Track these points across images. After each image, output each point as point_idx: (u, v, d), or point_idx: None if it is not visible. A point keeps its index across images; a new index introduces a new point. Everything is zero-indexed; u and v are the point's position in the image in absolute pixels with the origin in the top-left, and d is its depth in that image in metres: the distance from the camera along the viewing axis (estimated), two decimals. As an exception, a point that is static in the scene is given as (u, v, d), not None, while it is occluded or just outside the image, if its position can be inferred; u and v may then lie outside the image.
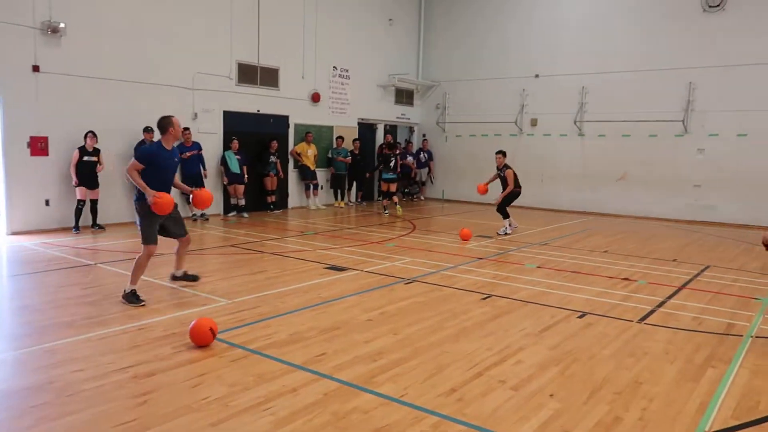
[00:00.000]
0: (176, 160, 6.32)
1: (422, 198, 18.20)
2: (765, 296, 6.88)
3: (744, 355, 4.83)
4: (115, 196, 11.27)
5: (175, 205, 6.22)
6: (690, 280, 7.64)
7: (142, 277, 6.16)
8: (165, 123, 6.09)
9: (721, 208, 13.82)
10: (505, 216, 11.47)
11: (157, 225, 6.10)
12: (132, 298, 5.85)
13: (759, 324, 5.73)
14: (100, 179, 10.67)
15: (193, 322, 4.78)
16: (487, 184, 11.67)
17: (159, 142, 6.17)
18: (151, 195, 5.81)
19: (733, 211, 13.66)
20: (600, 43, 15.19)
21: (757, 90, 13.16)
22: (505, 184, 11.35)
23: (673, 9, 14.13)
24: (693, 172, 14.13)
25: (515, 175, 11.38)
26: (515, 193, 11.44)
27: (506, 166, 11.37)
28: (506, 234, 11.32)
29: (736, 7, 13.36)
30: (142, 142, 11.36)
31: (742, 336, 5.34)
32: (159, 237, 6.15)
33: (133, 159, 6.02)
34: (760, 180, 13.25)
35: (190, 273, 6.72)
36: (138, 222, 6.13)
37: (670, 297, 6.73)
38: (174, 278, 6.65)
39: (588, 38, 15.39)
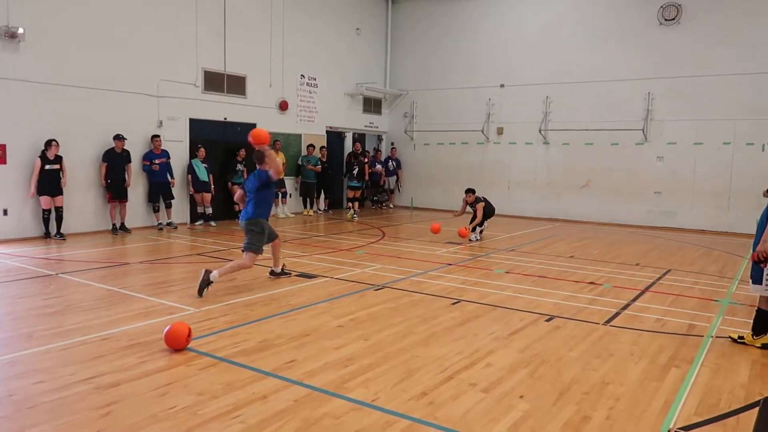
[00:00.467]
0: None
1: (391, 206, 18.26)
2: (724, 298, 7.10)
3: (705, 354, 4.97)
4: (77, 205, 10.99)
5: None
6: (652, 284, 7.83)
7: (108, 286, 6.00)
8: (261, 156, 7.07)
9: (681, 214, 14.23)
10: (474, 230, 11.55)
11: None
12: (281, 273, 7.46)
13: (719, 324, 5.90)
14: (62, 187, 10.45)
15: (169, 326, 4.75)
16: (463, 221, 11.94)
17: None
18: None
19: (691, 216, 14.09)
20: (562, 54, 15.54)
21: (711, 100, 13.64)
22: (475, 216, 11.59)
23: (632, 23, 14.57)
24: (653, 179, 14.53)
25: (486, 204, 11.65)
26: (489, 214, 11.75)
27: (477, 200, 11.65)
28: (477, 240, 11.44)
29: (690, 22, 13.85)
30: (110, 151, 11.15)
31: (702, 336, 5.49)
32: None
33: (258, 183, 6.93)
34: (716, 186, 13.72)
35: (285, 270, 7.74)
36: (252, 235, 6.89)
37: (634, 300, 6.88)
38: (273, 274, 7.59)
39: (551, 49, 15.73)
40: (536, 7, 16.02)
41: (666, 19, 14.12)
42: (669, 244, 11.83)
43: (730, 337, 5.36)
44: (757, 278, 5.05)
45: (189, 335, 4.76)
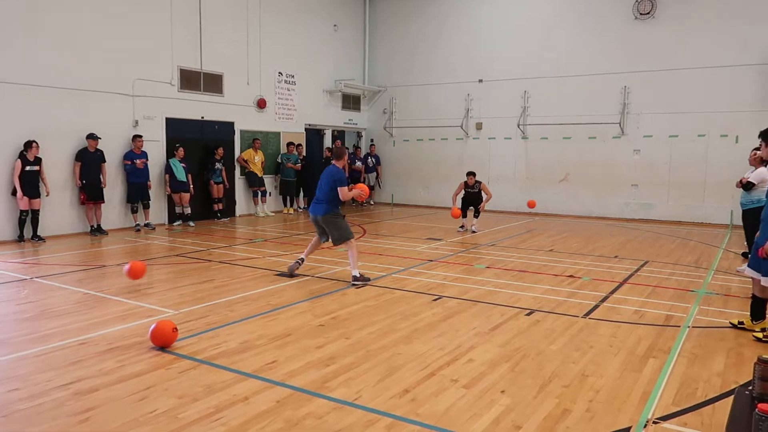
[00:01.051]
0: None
1: (372, 202, 18.24)
2: (699, 288, 7.22)
3: (682, 344, 5.05)
4: (53, 207, 10.80)
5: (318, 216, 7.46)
6: (630, 276, 7.94)
7: (85, 290, 5.90)
8: (342, 152, 7.76)
9: (657, 206, 14.45)
10: (477, 215, 12.46)
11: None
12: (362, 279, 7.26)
13: (695, 315, 6.01)
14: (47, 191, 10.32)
15: (154, 325, 4.81)
16: (458, 206, 12.51)
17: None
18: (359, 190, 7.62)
19: (667, 208, 14.31)
20: (539, 50, 15.64)
21: (685, 93, 13.85)
22: (479, 197, 12.33)
23: (607, 17, 14.72)
24: (630, 172, 14.72)
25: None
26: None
27: (478, 182, 12.43)
28: (475, 231, 12.18)
29: (665, 16, 14.03)
30: (84, 150, 10.98)
31: (679, 326, 5.58)
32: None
33: (338, 185, 7.27)
34: (691, 178, 13.94)
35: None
36: (336, 228, 7.36)
37: (612, 292, 6.97)
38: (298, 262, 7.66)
39: (528, 44, 15.83)
40: (513, 3, 16.10)
41: (641, 14, 14.29)
42: (646, 235, 12.00)
43: (730, 322, 5.48)
44: (758, 266, 5.13)
45: (174, 330, 4.85)
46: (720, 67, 13.40)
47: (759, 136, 5.64)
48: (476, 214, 12.40)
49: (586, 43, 15.04)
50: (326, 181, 7.34)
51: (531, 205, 12.83)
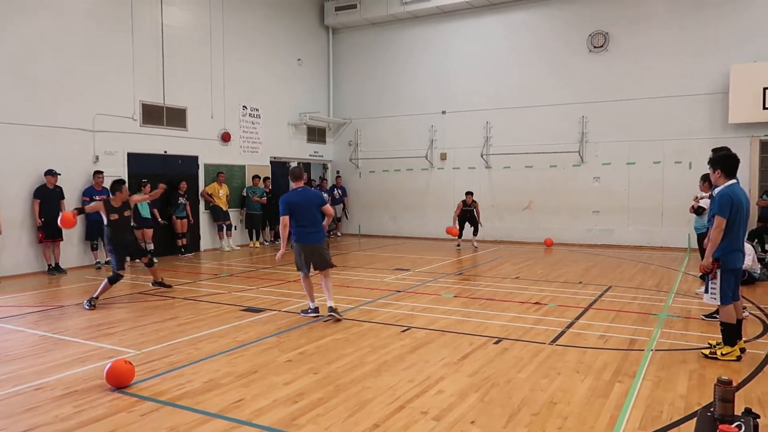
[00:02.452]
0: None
1: (339, 234, 18.20)
2: (661, 311, 7.38)
3: (646, 368, 5.14)
4: (8, 246, 10.45)
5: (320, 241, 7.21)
6: (595, 301, 8.08)
7: (42, 332, 5.69)
8: (301, 172, 7.26)
9: (618, 232, 14.80)
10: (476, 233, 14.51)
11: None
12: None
13: (657, 338, 6.13)
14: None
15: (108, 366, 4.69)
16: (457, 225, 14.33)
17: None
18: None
19: (628, 233, 14.68)
20: (500, 82, 16.06)
21: (640, 122, 14.37)
22: (474, 217, 14.39)
23: (563, 51, 15.26)
24: (591, 199, 15.09)
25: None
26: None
27: (474, 202, 14.32)
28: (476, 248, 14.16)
29: (617, 49, 14.62)
30: (42, 187, 10.72)
31: (643, 350, 5.68)
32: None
33: (325, 203, 7.21)
34: (649, 204, 14.36)
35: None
36: (326, 253, 7.30)
37: (577, 318, 7.07)
38: (330, 310, 7.04)
39: (489, 77, 16.24)
40: (473, 37, 16.55)
41: (595, 47, 14.86)
42: (608, 261, 12.25)
43: (702, 353, 5.45)
44: (706, 288, 5.48)
45: (127, 362, 4.81)
46: (671, 97, 13.97)
47: (708, 163, 5.86)
48: (475, 232, 14.33)
49: (544, 75, 15.52)
50: (315, 206, 7.07)
51: (549, 242, 14.43)
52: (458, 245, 14.51)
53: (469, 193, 14.38)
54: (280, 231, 7.10)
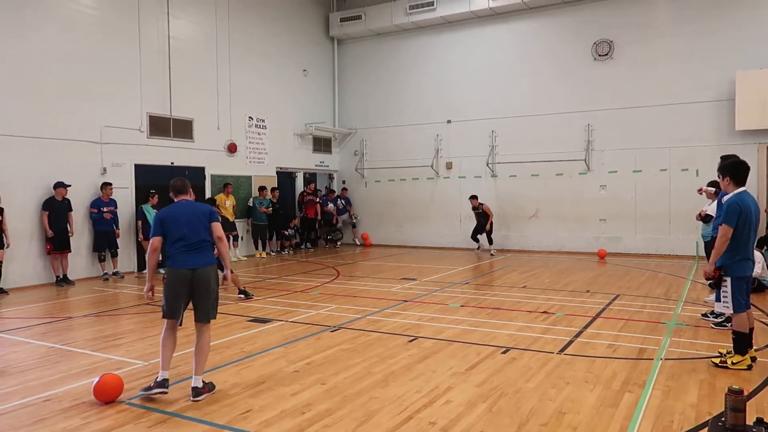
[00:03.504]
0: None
1: (357, 242, 18.17)
2: (670, 320, 7.33)
3: (656, 377, 5.09)
4: (17, 258, 10.51)
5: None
6: (603, 310, 8.03)
7: (50, 343, 5.72)
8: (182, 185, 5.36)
9: (626, 240, 14.73)
10: (491, 242, 15.08)
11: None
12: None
13: (667, 347, 6.08)
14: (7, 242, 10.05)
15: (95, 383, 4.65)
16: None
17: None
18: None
19: (636, 241, 14.60)
20: (505, 90, 16.09)
21: (646, 129, 14.34)
22: (484, 218, 14.94)
23: (568, 59, 15.28)
24: (598, 207, 15.04)
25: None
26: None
27: (481, 204, 14.93)
28: (494, 254, 14.83)
29: (622, 57, 14.63)
30: (50, 199, 10.80)
31: (653, 359, 5.63)
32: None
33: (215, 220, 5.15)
34: (656, 212, 14.30)
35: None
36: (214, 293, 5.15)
37: (586, 327, 7.02)
38: (194, 392, 4.78)
39: (494, 85, 16.27)
40: (478, 46, 16.60)
41: (600, 55, 14.87)
42: (616, 269, 12.18)
43: (712, 361, 5.40)
44: (717, 296, 5.45)
45: (109, 374, 4.78)
46: (677, 104, 13.94)
47: (717, 170, 5.84)
48: (489, 241, 14.89)
49: (549, 83, 15.54)
50: (199, 221, 5.06)
51: (602, 254, 13.96)
52: (477, 248, 15.35)
53: (472, 197, 15.00)
54: (146, 258, 5.15)
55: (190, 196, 5.30)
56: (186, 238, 4.95)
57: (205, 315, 4.99)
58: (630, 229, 14.69)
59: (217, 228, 5.07)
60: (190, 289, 4.96)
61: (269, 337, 6.75)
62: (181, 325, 5.02)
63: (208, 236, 5.04)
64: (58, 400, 4.73)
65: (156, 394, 4.68)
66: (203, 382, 4.81)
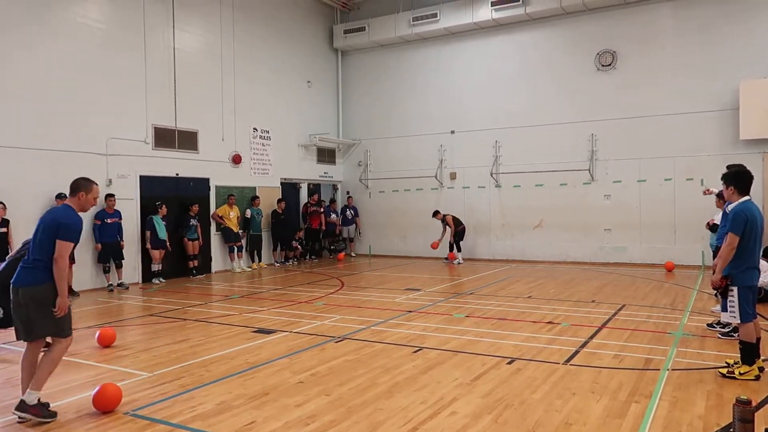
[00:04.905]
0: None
1: (353, 255, 18.19)
2: (677, 330, 7.28)
3: (663, 388, 5.05)
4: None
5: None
6: (608, 320, 7.98)
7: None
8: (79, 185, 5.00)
9: (631, 250, 14.68)
10: (459, 250, 15.56)
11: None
12: (42, 409, 4.54)
13: (674, 357, 6.03)
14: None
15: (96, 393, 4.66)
16: (439, 240, 15.77)
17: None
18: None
19: (641, 251, 14.55)
20: (509, 100, 16.12)
21: (650, 139, 14.33)
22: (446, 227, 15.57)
23: (571, 69, 15.32)
24: (602, 216, 15.00)
25: (453, 218, 15.53)
26: (460, 231, 15.59)
27: (445, 216, 15.54)
28: (459, 263, 15.24)
29: (625, 67, 14.66)
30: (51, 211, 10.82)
31: (659, 370, 5.59)
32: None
33: (63, 242, 4.63)
34: (661, 221, 14.25)
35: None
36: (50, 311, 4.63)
37: (591, 337, 6.98)
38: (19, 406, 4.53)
39: (498, 96, 16.30)
40: (481, 57, 16.66)
41: (603, 65, 14.90)
42: (622, 279, 12.13)
43: (719, 372, 5.37)
44: (724, 306, 5.41)
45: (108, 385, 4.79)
46: (681, 114, 13.94)
47: (721, 179, 5.83)
48: (455, 248, 15.48)
49: (552, 93, 15.57)
50: (41, 229, 4.70)
51: (669, 266, 13.27)
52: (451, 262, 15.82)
53: (435, 213, 15.82)
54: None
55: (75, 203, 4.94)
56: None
57: (25, 335, 4.73)
58: (635, 239, 14.64)
59: (59, 246, 4.58)
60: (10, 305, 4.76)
61: (274, 348, 6.74)
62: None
63: (36, 249, 4.65)
64: (62, 412, 4.72)
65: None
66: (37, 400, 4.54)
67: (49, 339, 4.81)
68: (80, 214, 4.91)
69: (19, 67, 10.60)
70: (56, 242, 4.57)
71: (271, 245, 16.07)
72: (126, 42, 12.46)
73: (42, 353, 4.73)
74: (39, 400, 4.53)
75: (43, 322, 4.58)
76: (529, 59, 15.98)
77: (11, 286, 4.66)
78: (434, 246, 15.71)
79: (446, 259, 15.95)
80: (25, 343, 4.76)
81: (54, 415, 4.55)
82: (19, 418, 4.45)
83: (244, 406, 4.77)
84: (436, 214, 15.68)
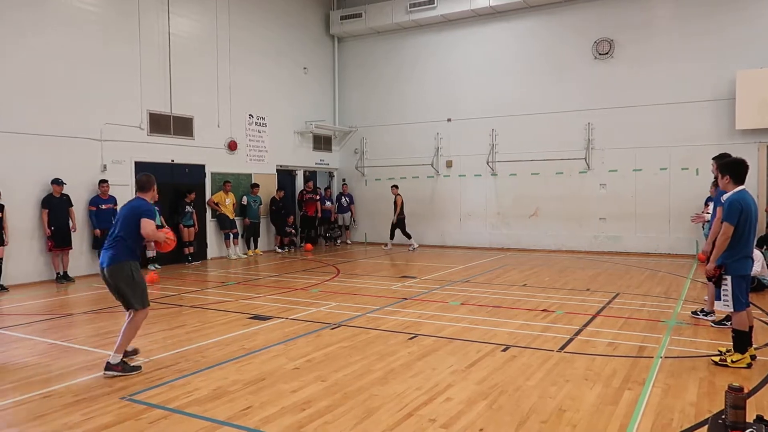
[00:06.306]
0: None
1: (348, 242, 18.22)
2: (670, 318, 7.33)
3: (656, 375, 5.10)
4: (18, 255, 10.50)
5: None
6: (603, 308, 8.03)
7: (50, 340, 5.73)
8: (150, 182, 5.79)
9: (625, 239, 14.74)
10: (392, 237, 16.16)
11: None
12: (126, 366, 5.33)
13: (667, 345, 6.08)
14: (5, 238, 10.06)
15: None
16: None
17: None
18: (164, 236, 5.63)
19: (636, 240, 14.61)
20: (505, 89, 16.09)
21: (646, 128, 14.33)
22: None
23: (568, 58, 15.28)
24: (598, 205, 15.04)
25: (402, 203, 16.08)
26: (402, 219, 16.12)
27: (398, 195, 16.03)
28: (414, 249, 15.66)
29: (622, 56, 14.63)
30: (49, 196, 10.79)
31: (652, 357, 5.64)
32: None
33: (145, 219, 5.41)
34: (656, 211, 14.31)
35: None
36: (130, 284, 5.40)
37: (586, 325, 7.03)
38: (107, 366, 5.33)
39: (494, 84, 16.26)
40: (479, 44, 16.59)
41: (600, 54, 14.87)
42: (616, 268, 12.19)
43: (712, 360, 5.40)
44: (717, 295, 5.44)
45: None
46: (677, 103, 13.94)
47: (713, 159, 5.84)
48: (403, 230, 16.16)
49: (549, 82, 15.53)
50: (121, 217, 5.55)
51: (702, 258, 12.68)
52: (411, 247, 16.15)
53: (394, 186, 16.40)
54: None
55: (148, 195, 5.77)
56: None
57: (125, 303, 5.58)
58: (630, 228, 14.69)
59: (143, 224, 5.44)
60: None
61: (269, 334, 6.76)
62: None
63: (115, 234, 5.49)
64: (59, 396, 4.74)
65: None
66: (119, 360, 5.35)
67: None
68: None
69: (12, 51, 10.50)
70: (140, 221, 5.40)
71: (268, 232, 16.07)
72: (121, 27, 12.34)
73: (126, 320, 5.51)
74: (122, 359, 5.36)
75: (131, 293, 5.43)
76: (526, 47, 15.93)
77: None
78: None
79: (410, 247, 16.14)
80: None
81: (138, 368, 5.39)
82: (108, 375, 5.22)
83: (240, 392, 4.79)
84: (393, 187, 16.26)
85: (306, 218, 16.99)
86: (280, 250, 15.95)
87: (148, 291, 5.68)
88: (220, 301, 8.94)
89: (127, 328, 5.40)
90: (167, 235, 5.68)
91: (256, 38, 15.75)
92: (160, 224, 12.32)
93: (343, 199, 18.05)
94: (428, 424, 4.09)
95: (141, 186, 5.74)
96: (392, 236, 16.24)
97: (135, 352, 5.69)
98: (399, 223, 16.07)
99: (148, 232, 5.40)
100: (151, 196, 5.75)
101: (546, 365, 5.41)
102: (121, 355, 5.35)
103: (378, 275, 11.47)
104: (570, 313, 7.68)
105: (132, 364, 5.41)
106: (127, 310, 5.51)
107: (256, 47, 15.75)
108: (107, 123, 12.01)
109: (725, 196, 5.55)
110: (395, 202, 16.02)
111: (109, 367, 5.24)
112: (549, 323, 7.15)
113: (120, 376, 5.21)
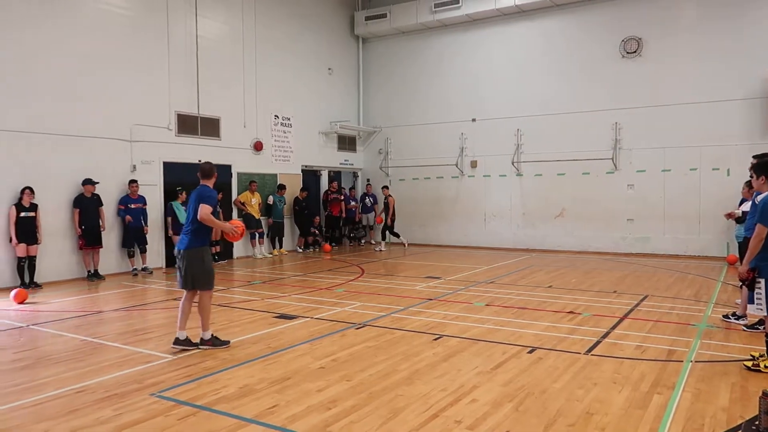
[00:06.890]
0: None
1: (372, 241, 18.25)
2: (700, 322, 7.19)
3: (686, 379, 5.01)
4: (50, 253, 10.76)
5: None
6: (631, 310, 7.91)
7: (82, 336, 5.85)
8: (211, 170, 6.43)
9: (654, 240, 14.49)
10: (384, 238, 16.45)
11: None
12: (216, 341, 6.16)
13: (697, 349, 5.97)
14: (39, 237, 10.33)
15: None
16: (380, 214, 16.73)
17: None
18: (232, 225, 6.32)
19: (664, 241, 14.36)
20: (531, 88, 15.95)
21: (675, 128, 14.07)
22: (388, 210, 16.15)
23: (595, 56, 15.07)
24: (625, 206, 14.81)
25: (393, 205, 16.34)
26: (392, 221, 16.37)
27: (389, 196, 16.26)
28: (380, 251, 15.88)
29: (651, 54, 14.38)
30: (80, 196, 11.03)
31: (682, 361, 5.54)
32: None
33: (203, 204, 5.98)
34: (685, 212, 14.03)
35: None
36: (200, 269, 6.06)
37: (613, 327, 6.94)
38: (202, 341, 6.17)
39: (520, 83, 16.13)
40: (504, 44, 16.48)
41: (628, 52, 14.64)
42: (644, 270, 11.99)
43: (744, 365, 5.30)
44: (750, 298, 5.36)
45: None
46: (707, 102, 13.66)
47: (750, 168, 5.73)
48: (384, 236, 16.54)
49: (575, 81, 15.35)
50: (191, 204, 6.21)
51: (732, 260, 12.29)
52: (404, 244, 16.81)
53: (384, 187, 16.78)
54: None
55: (210, 182, 6.40)
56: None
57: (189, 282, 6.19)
58: (658, 230, 14.44)
59: (200, 209, 6.00)
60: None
61: (295, 333, 6.81)
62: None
63: (193, 221, 6.08)
64: (91, 392, 4.84)
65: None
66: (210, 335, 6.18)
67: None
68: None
69: (44, 53, 10.75)
70: (199, 206, 5.95)
71: (292, 232, 16.19)
72: (149, 28, 12.56)
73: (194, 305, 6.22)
74: (212, 335, 6.18)
75: (200, 276, 6.05)
76: (553, 46, 15.76)
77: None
78: (378, 221, 16.79)
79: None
80: (184, 291, 6.22)
81: (226, 342, 6.17)
82: (182, 350, 6.02)
83: (267, 390, 4.84)
84: (384, 188, 16.61)
85: (330, 218, 17.08)
86: (300, 250, 16.04)
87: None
88: (246, 300, 9.04)
89: (199, 309, 6.11)
90: (234, 225, 6.33)
91: (281, 40, 15.89)
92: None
93: (367, 199, 18.09)
94: (454, 425, 4.08)
95: (204, 173, 6.33)
96: (384, 237, 16.59)
97: (188, 341, 6.18)
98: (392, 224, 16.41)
99: (203, 216, 5.90)
100: (212, 183, 6.31)
101: (573, 368, 5.36)
102: (210, 330, 6.13)
103: (402, 275, 11.47)
104: (597, 315, 7.58)
105: (222, 339, 6.23)
106: (187, 290, 6.13)
107: (281, 49, 15.89)
108: (136, 124, 12.24)
109: (760, 197, 5.43)
110: (386, 203, 16.24)
111: (203, 342, 6.06)
112: (575, 325, 7.07)
113: (211, 349, 6.00)
